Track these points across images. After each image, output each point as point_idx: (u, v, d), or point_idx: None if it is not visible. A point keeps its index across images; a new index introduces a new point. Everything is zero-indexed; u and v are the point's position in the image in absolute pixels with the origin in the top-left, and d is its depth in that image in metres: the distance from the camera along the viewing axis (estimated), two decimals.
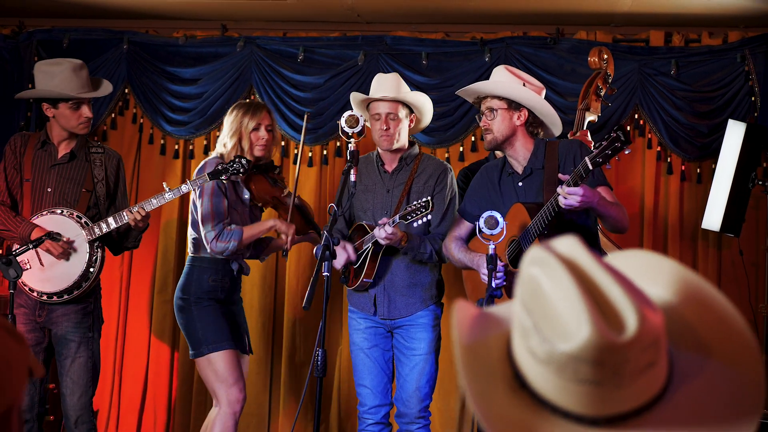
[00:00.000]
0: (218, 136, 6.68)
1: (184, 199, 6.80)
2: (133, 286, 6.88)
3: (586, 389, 1.25)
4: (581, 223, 4.17)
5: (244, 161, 4.65)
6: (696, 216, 6.39)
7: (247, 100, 5.21)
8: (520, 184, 4.30)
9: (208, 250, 4.80)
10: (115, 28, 6.96)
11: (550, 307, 1.26)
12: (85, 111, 4.91)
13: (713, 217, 6.06)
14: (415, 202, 4.44)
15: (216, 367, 4.81)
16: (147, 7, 6.73)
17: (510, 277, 4.17)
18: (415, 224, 4.43)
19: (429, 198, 4.41)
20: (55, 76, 4.89)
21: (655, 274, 1.38)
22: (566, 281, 1.26)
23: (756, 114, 6.29)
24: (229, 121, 4.95)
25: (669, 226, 6.44)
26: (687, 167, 6.44)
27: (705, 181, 6.39)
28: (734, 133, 6.03)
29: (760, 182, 6.07)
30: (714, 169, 6.20)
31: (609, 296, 1.26)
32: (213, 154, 4.98)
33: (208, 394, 6.67)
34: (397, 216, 4.46)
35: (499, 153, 5.46)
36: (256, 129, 4.89)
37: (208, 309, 4.83)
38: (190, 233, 4.98)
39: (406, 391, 4.73)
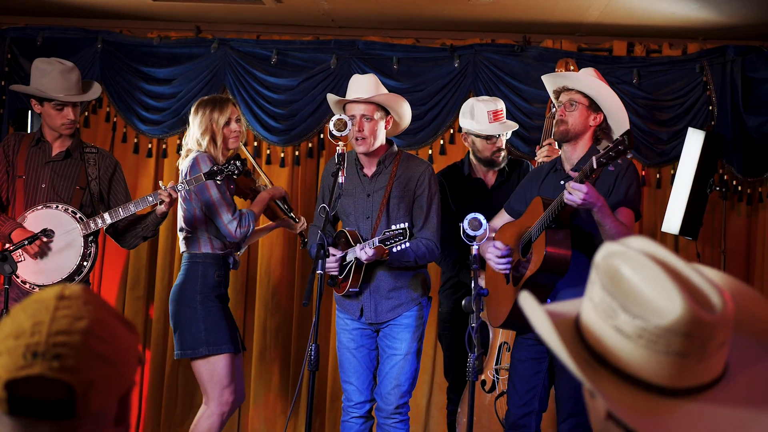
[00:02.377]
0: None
1: None
2: (105, 282, 6.95)
3: (673, 360, 1.43)
4: (587, 231, 4.28)
5: (239, 163, 4.74)
6: (655, 219, 6.65)
7: (209, 96, 5.24)
8: (563, 182, 4.34)
9: (232, 238, 4.89)
10: (89, 28, 7.04)
11: (635, 290, 1.44)
12: (69, 113, 5.00)
13: (672, 221, 6.31)
14: (394, 228, 4.51)
15: (215, 368, 4.86)
16: (121, 7, 6.81)
17: (518, 264, 4.33)
18: (394, 249, 4.55)
19: (405, 226, 4.48)
20: (45, 75, 4.99)
21: None
22: (650, 267, 1.44)
23: (713, 122, 6.56)
24: (197, 119, 4.99)
25: None
26: (647, 172, 6.69)
27: (664, 186, 6.65)
28: (693, 141, 6.28)
29: (717, 188, 6.35)
30: (673, 175, 6.47)
31: (691, 279, 1.45)
32: (193, 153, 4.99)
33: (179, 390, 6.82)
34: (377, 239, 4.57)
35: (479, 168, 5.64)
36: (227, 124, 4.96)
37: (214, 309, 4.89)
38: (183, 232, 5.02)
39: (385, 388, 4.86)
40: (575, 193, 3.93)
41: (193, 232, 4.97)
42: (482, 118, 5.48)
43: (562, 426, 4.33)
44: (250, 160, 5.41)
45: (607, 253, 1.50)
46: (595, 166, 3.91)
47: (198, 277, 4.92)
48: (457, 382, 5.72)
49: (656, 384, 1.45)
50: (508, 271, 4.35)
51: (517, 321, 4.31)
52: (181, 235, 5.06)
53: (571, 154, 4.41)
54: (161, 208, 4.86)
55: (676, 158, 6.42)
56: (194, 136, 4.99)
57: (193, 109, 5.04)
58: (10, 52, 7.00)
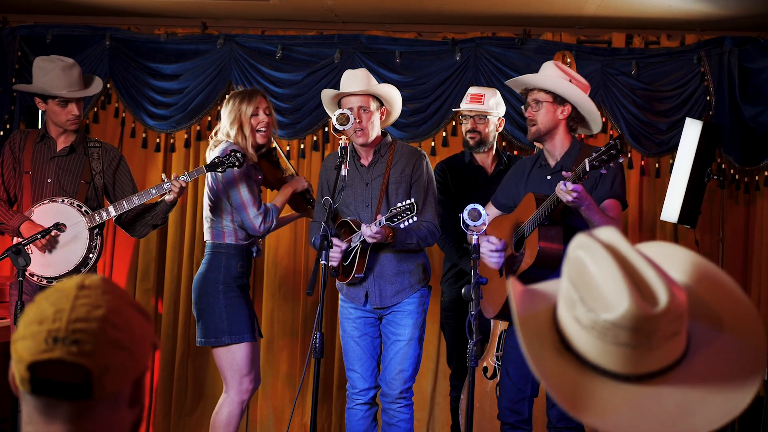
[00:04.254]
0: (198, 131, 6.99)
1: None
2: (114, 274, 7.08)
3: (623, 351, 1.56)
4: (580, 227, 4.37)
5: (239, 155, 4.85)
6: (655, 208, 6.77)
7: (241, 89, 5.35)
8: (549, 177, 4.50)
9: (255, 232, 5.02)
10: (97, 25, 7.16)
11: (594, 284, 1.57)
12: (73, 109, 5.10)
13: (671, 210, 6.42)
14: (400, 205, 4.66)
15: (235, 357, 4.97)
16: (129, 4, 6.94)
17: (511, 259, 4.46)
18: (401, 225, 4.68)
19: (413, 201, 4.63)
20: (47, 72, 5.08)
21: (673, 260, 1.70)
22: (608, 262, 1.56)
23: (711, 112, 6.66)
24: (227, 110, 5.10)
25: (629, 218, 6.79)
26: (646, 162, 6.81)
27: (663, 175, 6.76)
28: (691, 131, 6.38)
29: (715, 177, 6.44)
30: (672, 165, 6.57)
31: (644, 276, 1.57)
32: (223, 144, 5.07)
33: (189, 380, 6.96)
34: (383, 218, 4.70)
35: (477, 156, 5.82)
36: (255, 114, 5.06)
37: (236, 299, 5.00)
38: (208, 221, 5.12)
39: (389, 373, 4.99)
40: (571, 193, 4.04)
41: (218, 222, 5.07)
42: (466, 98, 5.87)
43: (551, 411, 4.44)
44: (279, 151, 5.50)
45: (576, 245, 1.62)
46: (587, 169, 4.02)
47: (221, 268, 5.03)
48: (459, 369, 5.86)
49: (611, 371, 1.58)
50: (500, 265, 4.46)
51: (510, 312, 4.44)
52: (206, 225, 5.15)
53: (553, 150, 4.55)
54: (170, 197, 4.98)
55: (675, 148, 6.52)
56: (224, 127, 5.10)
57: (225, 102, 5.17)
58: (21, 50, 7.12)
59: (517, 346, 4.51)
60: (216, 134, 5.17)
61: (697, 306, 1.65)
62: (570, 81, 4.52)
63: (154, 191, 4.99)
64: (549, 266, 4.24)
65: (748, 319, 1.67)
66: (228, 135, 5.06)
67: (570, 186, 4.04)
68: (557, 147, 4.54)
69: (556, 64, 4.61)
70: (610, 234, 1.62)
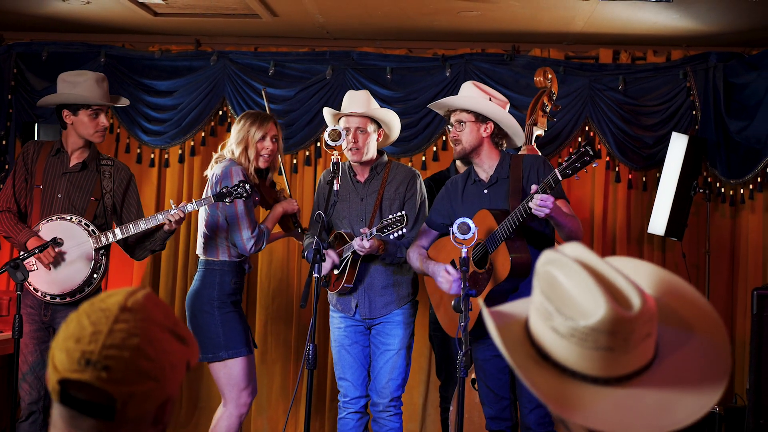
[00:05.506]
0: (192, 146, 7.08)
1: (159, 204, 7.14)
2: (110, 288, 7.13)
3: (602, 355, 1.66)
4: (540, 230, 4.55)
5: (248, 186, 4.87)
6: (642, 221, 6.87)
7: (255, 111, 5.39)
8: (486, 191, 4.64)
9: (245, 252, 5.03)
10: (92, 42, 7.27)
11: (567, 294, 1.67)
12: (103, 120, 5.12)
13: (658, 223, 6.53)
14: (391, 216, 4.79)
15: (232, 372, 5.01)
16: (123, 21, 7.02)
17: (474, 277, 4.54)
18: (391, 236, 4.80)
19: (404, 213, 4.76)
20: (78, 85, 5.09)
21: (638, 274, 1.81)
22: (579, 273, 1.67)
23: (697, 127, 6.78)
24: (236, 129, 5.14)
25: (617, 231, 6.90)
26: (634, 176, 6.92)
27: (650, 189, 6.87)
28: (677, 145, 6.49)
29: (701, 190, 6.55)
30: (659, 178, 6.68)
31: (615, 282, 1.67)
32: (226, 161, 5.10)
33: (183, 392, 7.01)
34: (374, 229, 4.82)
35: (461, 168, 5.92)
36: (262, 139, 5.09)
37: (231, 315, 5.03)
38: (203, 237, 5.14)
39: (379, 383, 5.10)
40: (543, 208, 4.15)
41: (213, 238, 5.09)
42: None
43: (529, 416, 4.50)
44: (282, 168, 5.55)
45: (545, 261, 1.73)
46: (560, 178, 4.13)
47: (215, 285, 5.05)
48: (448, 381, 5.95)
49: (590, 375, 1.68)
50: (457, 291, 4.51)
51: (478, 328, 4.52)
52: (200, 240, 5.16)
53: (482, 165, 4.69)
54: (167, 227, 4.98)
55: (662, 162, 6.63)
56: (230, 144, 5.14)
57: (237, 119, 5.21)
58: (16, 67, 7.22)
59: (488, 358, 4.60)
60: (222, 148, 5.20)
61: (664, 312, 1.75)
62: (490, 99, 4.66)
63: (161, 217, 4.96)
64: (522, 275, 4.38)
65: (712, 324, 1.78)
66: (233, 153, 5.09)
67: (538, 202, 4.14)
68: (486, 162, 4.68)
69: (474, 84, 4.76)
70: (576, 248, 1.73)
